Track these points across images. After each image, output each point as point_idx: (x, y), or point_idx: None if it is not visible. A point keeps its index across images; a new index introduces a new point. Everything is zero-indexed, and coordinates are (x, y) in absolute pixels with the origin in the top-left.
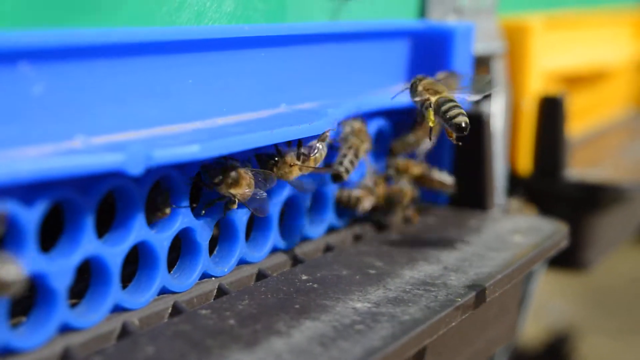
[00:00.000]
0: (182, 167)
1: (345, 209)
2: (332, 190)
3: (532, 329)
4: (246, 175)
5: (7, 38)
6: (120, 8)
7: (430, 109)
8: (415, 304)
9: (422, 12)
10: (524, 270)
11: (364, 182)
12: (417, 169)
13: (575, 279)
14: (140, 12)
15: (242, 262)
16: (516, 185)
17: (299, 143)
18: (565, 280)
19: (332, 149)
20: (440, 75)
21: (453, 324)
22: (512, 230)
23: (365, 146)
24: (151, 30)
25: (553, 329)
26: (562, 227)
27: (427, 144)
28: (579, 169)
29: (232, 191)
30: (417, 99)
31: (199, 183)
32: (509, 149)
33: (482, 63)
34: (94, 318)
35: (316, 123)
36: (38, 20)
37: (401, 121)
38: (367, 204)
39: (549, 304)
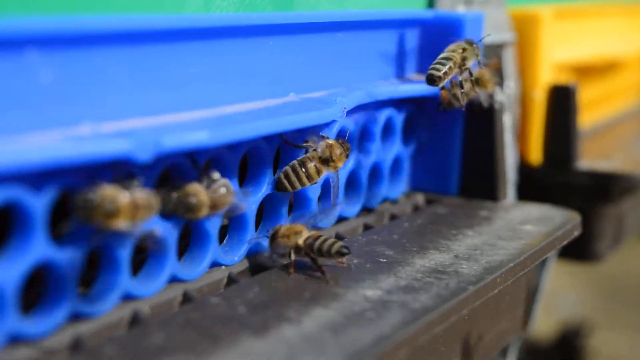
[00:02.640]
0: (190, 155)
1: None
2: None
3: (544, 321)
4: None
5: (14, 25)
6: None
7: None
8: (426, 292)
9: (431, 1)
10: (535, 259)
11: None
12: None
13: (588, 272)
14: (147, 0)
15: (252, 250)
16: (527, 176)
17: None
18: (578, 273)
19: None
20: (452, 46)
21: (464, 311)
22: (524, 219)
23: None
24: (159, 18)
25: (565, 321)
26: (574, 216)
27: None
28: (590, 159)
29: None
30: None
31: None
32: (519, 139)
33: (492, 53)
34: (105, 306)
35: (325, 111)
36: (45, 5)
37: (411, 110)
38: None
39: (562, 296)
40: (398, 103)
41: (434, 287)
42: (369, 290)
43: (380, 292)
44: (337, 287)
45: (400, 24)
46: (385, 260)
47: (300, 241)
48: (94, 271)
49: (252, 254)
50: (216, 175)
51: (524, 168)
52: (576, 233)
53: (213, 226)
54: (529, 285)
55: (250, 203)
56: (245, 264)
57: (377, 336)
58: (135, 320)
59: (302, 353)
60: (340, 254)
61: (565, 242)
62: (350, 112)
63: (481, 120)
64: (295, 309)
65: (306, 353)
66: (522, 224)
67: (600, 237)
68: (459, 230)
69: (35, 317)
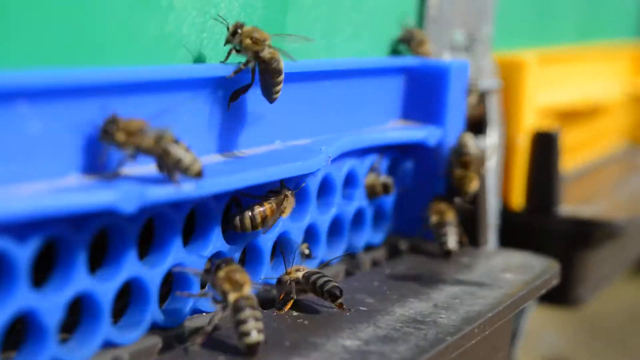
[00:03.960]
0: (177, 206)
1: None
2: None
3: None
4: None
5: (6, 78)
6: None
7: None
8: (405, 342)
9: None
10: (514, 308)
11: None
12: None
13: (568, 312)
14: (139, 52)
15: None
16: (509, 220)
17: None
18: (558, 313)
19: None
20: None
21: None
22: (504, 267)
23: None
24: (148, 69)
25: None
26: (554, 264)
27: None
28: (573, 204)
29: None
30: None
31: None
32: (502, 184)
33: (477, 99)
34: (85, 353)
35: (310, 160)
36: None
37: (396, 156)
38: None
39: (542, 336)
40: (383, 150)
41: (413, 338)
42: (347, 340)
43: (359, 342)
44: (317, 337)
45: (387, 72)
46: (365, 308)
47: (300, 275)
48: (75, 317)
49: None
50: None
51: (507, 212)
52: (555, 282)
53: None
54: (508, 332)
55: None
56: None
57: None
58: None
59: None
60: (330, 293)
61: (544, 291)
62: (335, 160)
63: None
64: (275, 359)
65: None
66: (503, 271)
67: (580, 282)
68: (440, 277)
69: None
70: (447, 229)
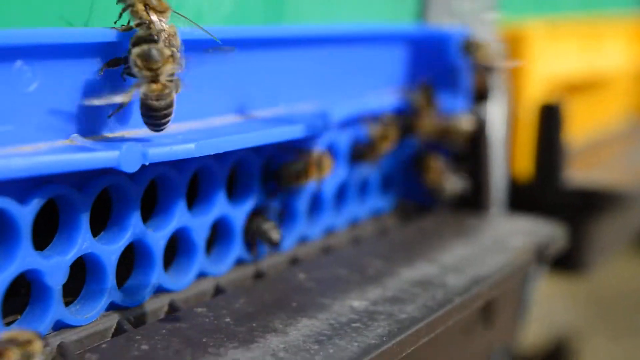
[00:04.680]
0: (179, 168)
1: None
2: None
3: (533, 331)
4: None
5: (4, 36)
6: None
7: None
8: (412, 303)
9: (421, 15)
10: (521, 271)
11: None
12: None
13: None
14: None
15: (239, 261)
16: (515, 191)
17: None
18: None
19: None
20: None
21: (450, 322)
22: (511, 232)
23: None
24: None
25: (554, 332)
26: (560, 229)
27: None
28: (578, 175)
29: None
30: None
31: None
32: (509, 155)
33: (481, 69)
34: (89, 316)
35: (313, 123)
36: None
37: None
38: None
39: (551, 307)
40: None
41: (421, 299)
42: (355, 301)
43: (367, 303)
44: (324, 298)
45: (389, 39)
46: (372, 271)
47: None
48: (80, 281)
49: (239, 265)
50: None
51: (514, 184)
52: (562, 245)
53: (199, 237)
54: (516, 296)
55: (237, 214)
56: (232, 275)
57: (363, 347)
58: (119, 329)
59: None
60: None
61: (550, 254)
62: (342, 125)
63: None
64: (281, 319)
65: None
66: (509, 235)
67: (587, 249)
68: (447, 241)
69: (20, 326)
70: None
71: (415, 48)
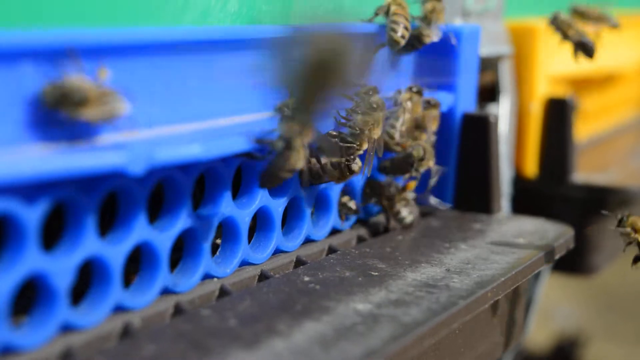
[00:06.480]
0: (185, 168)
1: None
2: (335, 193)
3: (540, 333)
4: None
5: (10, 37)
6: (124, 7)
7: None
8: (417, 306)
9: None
10: (527, 273)
11: None
12: None
13: (584, 284)
14: (145, 12)
15: (244, 263)
16: (522, 188)
17: None
18: (574, 285)
19: None
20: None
21: (455, 325)
22: (517, 233)
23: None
24: (155, 30)
25: (561, 333)
26: (568, 230)
27: None
28: (587, 172)
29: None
30: None
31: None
32: (515, 152)
33: (488, 65)
34: (96, 318)
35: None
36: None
37: None
38: None
39: (557, 308)
40: None
41: (425, 301)
42: (359, 304)
43: (371, 306)
44: (328, 300)
45: None
46: (377, 273)
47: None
48: (85, 283)
49: (244, 267)
50: None
51: (520, 180)
52: (569, 247)
53: (205, 239)
54: (522, 298)
55: (242, 216)
56: (237, 277)
57: (366, 350)
58: (126, 332)
59: None
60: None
61: (558, 256)
62: None
63: (476, 133)
64: (286, 322)
65: None
66: (516, 237)
67: (595, 250)
68: (452, 243)
69: (26, 329)
70: None
71: (425, 46)
